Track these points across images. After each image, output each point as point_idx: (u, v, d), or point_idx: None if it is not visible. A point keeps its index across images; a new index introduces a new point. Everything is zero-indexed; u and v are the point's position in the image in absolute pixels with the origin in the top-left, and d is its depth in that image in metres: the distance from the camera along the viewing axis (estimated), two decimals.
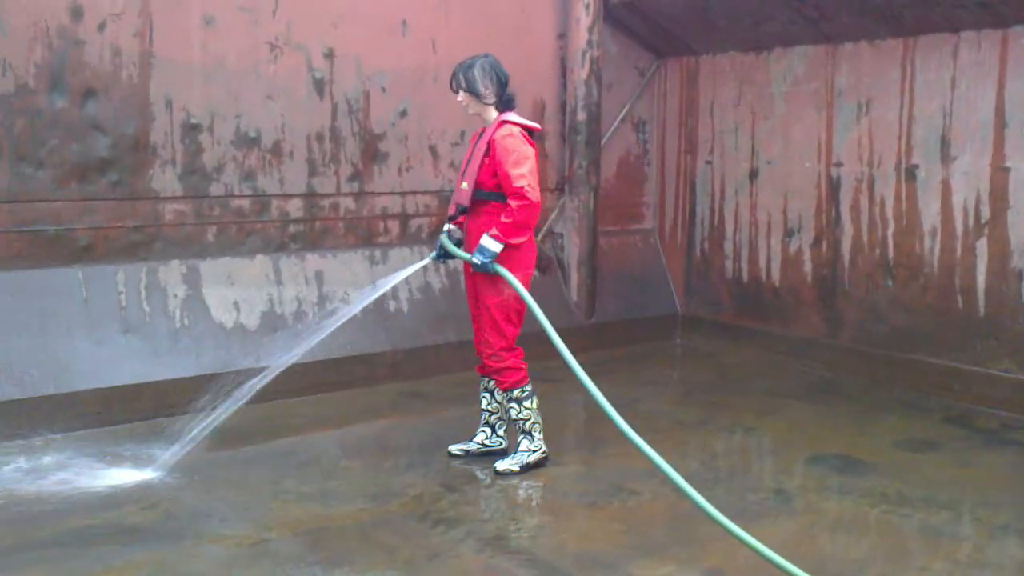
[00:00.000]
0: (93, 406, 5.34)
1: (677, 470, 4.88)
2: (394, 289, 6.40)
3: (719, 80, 7.68)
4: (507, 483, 4.73)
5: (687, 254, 8.04)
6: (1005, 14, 5.79)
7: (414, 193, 6.83)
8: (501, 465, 4.84)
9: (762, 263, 7.46)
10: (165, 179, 5.84)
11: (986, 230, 6.08)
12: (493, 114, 4.82)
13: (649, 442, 5.29)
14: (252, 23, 6.04)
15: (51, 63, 5.40)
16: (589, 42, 7.32)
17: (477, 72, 4.75)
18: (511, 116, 4.81)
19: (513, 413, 4.89)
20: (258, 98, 6.11)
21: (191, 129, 5.89)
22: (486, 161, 4.74)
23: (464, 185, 4.82)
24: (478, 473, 4.85)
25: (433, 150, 6.87)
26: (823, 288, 7.04)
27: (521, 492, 4.66)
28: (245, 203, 6.14)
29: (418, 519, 4.28)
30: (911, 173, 6.45)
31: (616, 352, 7.40)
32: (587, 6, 7.27)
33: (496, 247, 4.64)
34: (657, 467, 4.04)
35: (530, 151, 4.74)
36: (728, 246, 7.70)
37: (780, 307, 7.35)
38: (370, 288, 5.45)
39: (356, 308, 5.37)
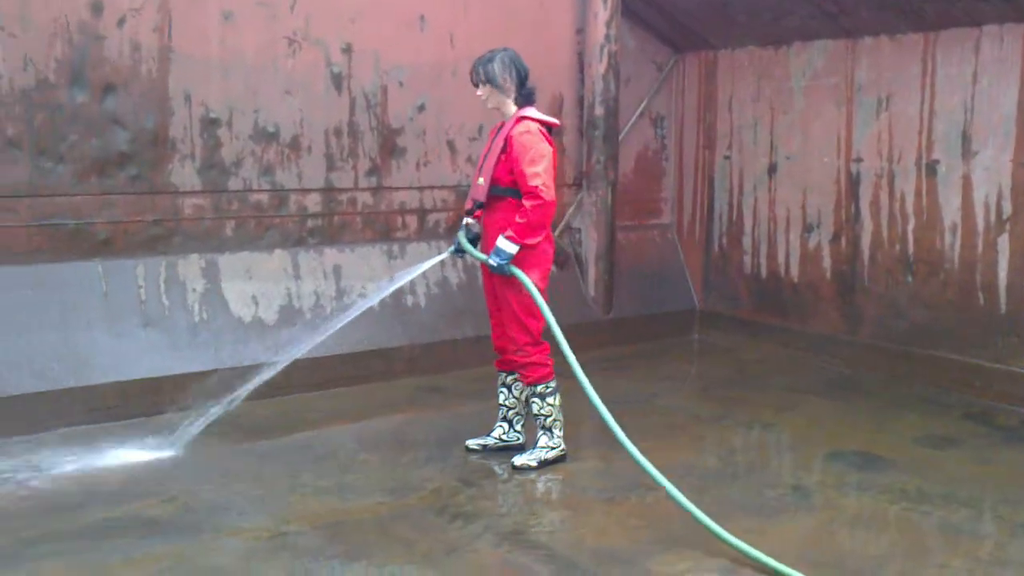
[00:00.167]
0: (112, 399, 5.37)
1: (695, 466, 4.93)
2: (411, 284, 6.41)
3: (738, 75, 7.64)
4: (525, 478, 4.73)
5: (705, 249, 8.01)
6: None
7: (432, 188, 6.83)
8: (519, 460, 4.84)
9: (781, 258, 7.42)
10: (184, 173, 5.86)
11: (1008, 226, 6.03)
12: (512, 109, 4.80)
13: (666, 438, 5.34)
14: (270, 18, 6.05)
15: (71, 58, 5.42)
16: (607, 36, 7.30)
17: (497, 65, 4.73)
18: (530, 112, 4.78)
19: (535, 408, 4.88)
20: (276, 93, 6.13)
21: (210, 124, 5.91)
22: (503, 157, 4.72)
23: (480, 180, 4.81)
24: (496, 468, 4.85)
25: (451, 145, 6.87)
26: (842, 284, 7.01)
27: (539, 487, 4.66)
28: (263, 197, 6.15)
29: (436, 513, 4.29)
30: (932, 168, 6.41)
31: (633, 347, 7.39)
32: (605, 1, 7.24)
33: (512, 249, 4.62)
34: (646, 470, 4.16)
35: (547, 149, 4.71)
36: (747, 241, 7.67)
37: (799, 303, 7.32)
38: (387, 281, 5.47)
39: (374, 300, 5.38)
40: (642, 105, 7.94)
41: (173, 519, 4.15)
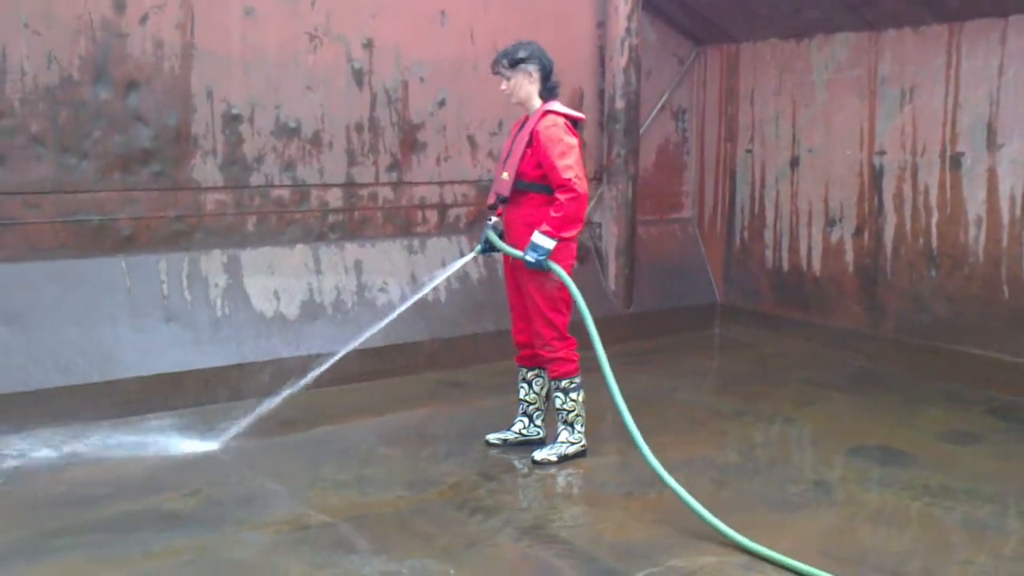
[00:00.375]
0: (136, 393, 5.42)
1: (716, 461, 4.91)
2: (432, 279, 6.43)
3: (759, 68, 7.60)
4: (545, 473, 4.73)
5: (726, 243, 7.98)
6: None
7: (452, 183, 6.83)
8: (539, 455, 4.84)
9: (803, 252, 7.38)
10: (206, 169, 5.89)
11: None
12: (537, 103, 4.77)
13: (687, 433, 5.32)
14: (292, 14, 6.07)
15: (95, 55, 5.46)
16: (628, 30, 7.28)
17: (523, 58, 4.70)
18: (555, 106, 4.75)
19: (558, 402, 4.88)
20: (298, 89, 6.15)
21: (232, 120, 5.94)
22: (528, 151, 4.69)
23: (505, 175, 4.78)
24: (516, 462, 4.86)
25: (471, 140, 6.87)
26: (865, 278, 6.96)
27: (559, 482, 4.66)
28: (285, 193, 6.18)
29: (456, 508, 4.30)
30: (956, 161, 6.35)
31: (654, 342, 7.38)
32: None
33: (549, 243, 4.57)
34: (659, 475, 4.17)
35: (574, 141, 4.68)
36: (768, 235, 7.63)
37: (821, 297, 7.27)
38: (439, 272, 5.51)
39: (416, 297, 5.37)
40: (663, 99, 7.91)
41: (195, 512, 4.18)
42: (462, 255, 6.30)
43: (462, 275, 6.75)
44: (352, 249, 6.42)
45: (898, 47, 6.62)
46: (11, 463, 4.67)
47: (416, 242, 6.68)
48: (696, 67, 8.08)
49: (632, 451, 4.81)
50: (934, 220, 6.49)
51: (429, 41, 6.60)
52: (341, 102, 6.32)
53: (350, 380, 6.04)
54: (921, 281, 6.60)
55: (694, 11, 7.60)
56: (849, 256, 7.05)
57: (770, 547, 3.81)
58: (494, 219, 4.87)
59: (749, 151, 7.74)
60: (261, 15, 5.96)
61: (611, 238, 7.49)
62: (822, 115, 7.16)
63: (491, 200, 4.89)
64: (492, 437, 5.09)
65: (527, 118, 4.80)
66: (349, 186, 6.41)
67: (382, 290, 6.42)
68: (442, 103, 6.72)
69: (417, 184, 6.69)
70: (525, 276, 4.77)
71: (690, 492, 4.11)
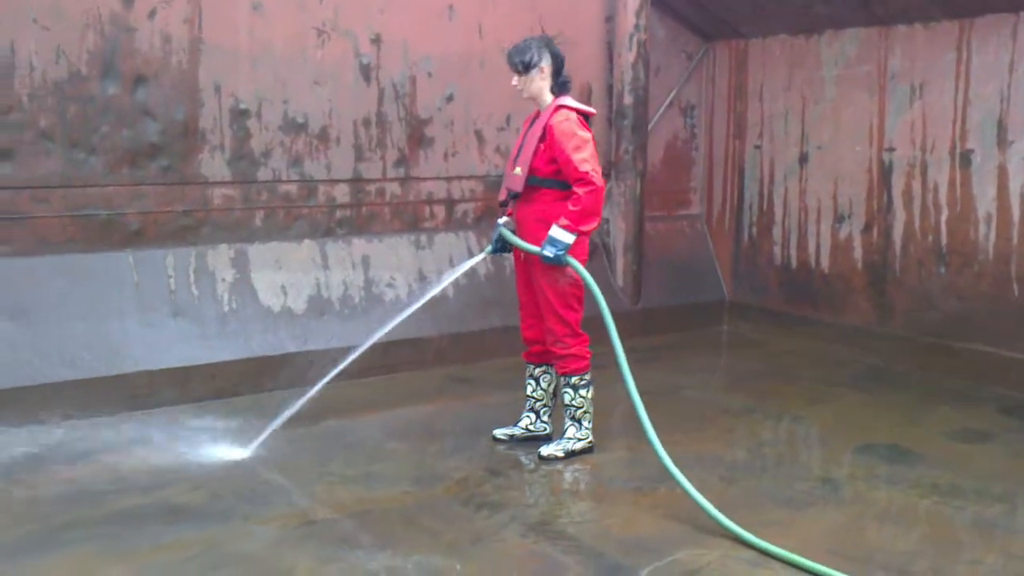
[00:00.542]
0: (143, 388, 5.42)
1: (724, 458, 4.90)
2: (440, 274, 6.42)
3: (768, 64, 7.57)
4: (551, 468, 4.72)
5: (735, 240, 7.96)
6: None
7: (460, 178, 6.83)
8: (546, 450, 4.83)
9: (811, 249, 7.36)
10: (214, 164, 5.89)
11: None
12: (549, 98, 4.74)
13: (695, 430, 5.31)
14: (299, 9, 6.07)
15: (103, 50, 5.46)
16: (636, 26, 7.26)
17: (536, 52, 4.66)
18: (567, 100, 4.73)
19: (567, 398, 4.87)
20: (305, 83, 6.14)
21: (239, 115, 5.94)
22: (541, 146, 4.66)
23: (517, 170, 4.73)
24: (522, 458, 4.85)
25: (479, 135, 6.86)
26: (874, 275, 6.93)
27: (566, 477, 4.65)
28: (292, 188, 6.18)
29: (462, 503, 4.29)
30: (966, 158, 6.32)
31: (662, 338, 7.36)
32: None
33: (568, 238, 4.54)
34: (671, 474, 4.16)
35: (588, 135, 4.65)
36: (777, 232, 7.60)
37: (829, 294, 7.25)
38: (449, 272, 5.46)
39: (431, 294, 5.26)
40: (672, 94, 7.89)
41: (203, 506, 4.19)
42: (469, 251, 6.30)
43: (470, 271, 6.71)
44: (359, 244, 6.42)
45: (908, 43, 6.59)
46: (19, 457, 4.68)
47: (424, 237, 6.67)
48: (705, 63, 8.05)
49: (640, 447, 4.82)
50: (943, 217, 6.47)
51: (437, 36, 6.59)
52: (349, 97, 6.31)
53: (358, 375, 6.02)
54: (930, 278, 6.57)
55: (703, 7, 7.57)
56: (858, 253, 7.03)
57: (775, 543, 3.79)
58: (504, 218, 4.85)
59: (758, 147, 7.72)
60: (269, 10, 5.96)
61: (619, 234, 7.48)
62: (831, 111, 7.13)
63: (502, 196, 4.86)
64: (499, 433, 5.08)
65: (539, 113, 4.78)
66: (356, 181, 6.41)
67: (389, 285, 6.42)
68: (450, 98, 6.71)
69: (425, 179, 6.68)
70: (538, 272, 4.74)
71: (699, 489, 4.11)
